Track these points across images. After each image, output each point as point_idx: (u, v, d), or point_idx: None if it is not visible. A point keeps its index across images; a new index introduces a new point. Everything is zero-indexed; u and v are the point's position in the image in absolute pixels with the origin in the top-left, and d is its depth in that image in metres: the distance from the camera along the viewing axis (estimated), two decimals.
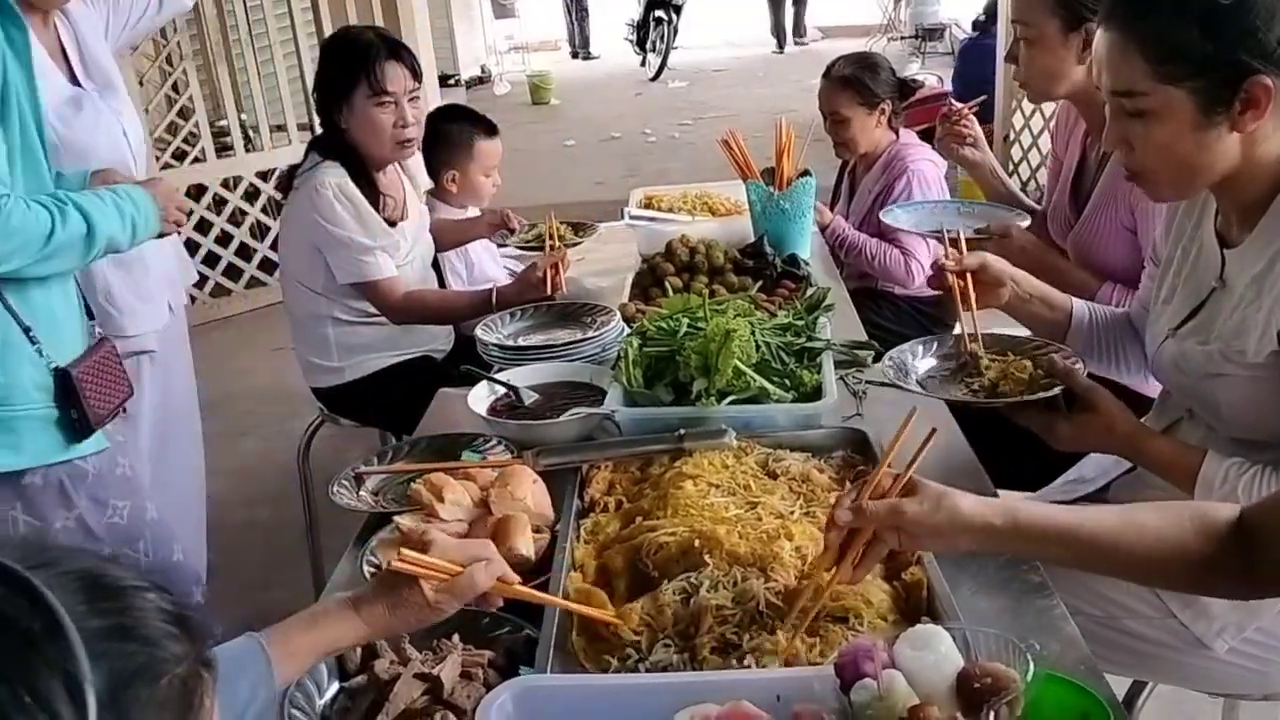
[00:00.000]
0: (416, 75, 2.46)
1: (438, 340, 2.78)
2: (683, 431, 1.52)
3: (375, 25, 2.68)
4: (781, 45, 12.99)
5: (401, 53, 2.45)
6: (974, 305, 1.71)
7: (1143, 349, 1.73)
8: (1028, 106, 5.66)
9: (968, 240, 2.21)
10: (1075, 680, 1.04)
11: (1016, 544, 1.16)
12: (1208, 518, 1.12)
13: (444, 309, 2.57)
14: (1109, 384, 1.59)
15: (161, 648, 0.60)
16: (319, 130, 2.66)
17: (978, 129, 2.46)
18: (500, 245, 2.88)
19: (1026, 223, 2.24)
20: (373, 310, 2.53)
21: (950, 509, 1.12)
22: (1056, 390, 1.54)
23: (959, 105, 2.49)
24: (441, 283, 2.94)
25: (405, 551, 1.08)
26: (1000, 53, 5.89)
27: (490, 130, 2.96)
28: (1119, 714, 1.02)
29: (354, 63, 2.39)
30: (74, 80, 2.12)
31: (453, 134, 2.88)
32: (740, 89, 10.70)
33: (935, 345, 1.76)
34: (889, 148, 3.04)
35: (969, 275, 1.72)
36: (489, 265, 3.16)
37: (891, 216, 2.45)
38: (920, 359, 1.73)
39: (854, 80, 2.98)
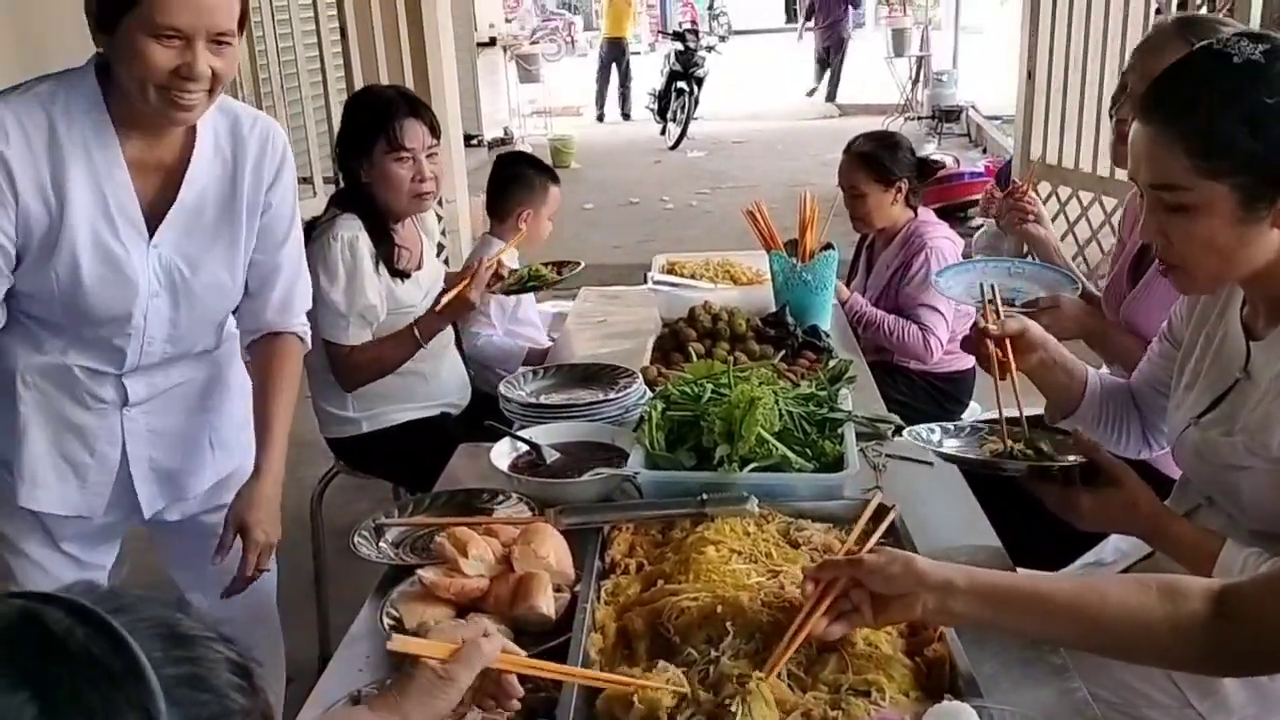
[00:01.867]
0: (435, 132, 2.55)
1: (454, 394, 2.80)
2: (705, 496, 1.53)
3: (399, 85, 2.76)
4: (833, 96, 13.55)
5: (421, 110, 2.54)
6: (1012, 372, 1.69)
7: (1141, 422, 1.76)
8: (1043, 189, 5.73)
9: (1021, 312, 2.23)
10: None
11: (974, 606, 1.15)
12: (1178, 586, 1.12)
13: (379, 360, 2.53)
14: (1131, 464, 1.59)
15: (231, 699, 0.61)
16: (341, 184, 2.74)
17: (1040, 205, 2.49)
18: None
19: (1078, 290, 2.25)
20: None
21: (906, 561, 1.17)
22: (1078, 460, 1.53)
23: (1020, 181, 2.53)
24: (457, 331, 2.97)
25: (398, 636, 1.09)
26: (1017, 134, 6.01)
27: (556, 178, 3.14)
28: None
29: (375, 119, 2.48)
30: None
31: (529, 177, 3.03)
32: (758, 161, 10.84)
33: (966, 430, 1.75)
34: (907, 224, 3.09)
35: (1008, 341, 1.70)
36: (530, 307, 3.26)
37: (945, 284, 2.35)
38: (940, 436, 1.72)
39: (872, 157, 3.04)
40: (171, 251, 1.69)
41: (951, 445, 1.70)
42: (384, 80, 5.94)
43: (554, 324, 3.47)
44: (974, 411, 3.28)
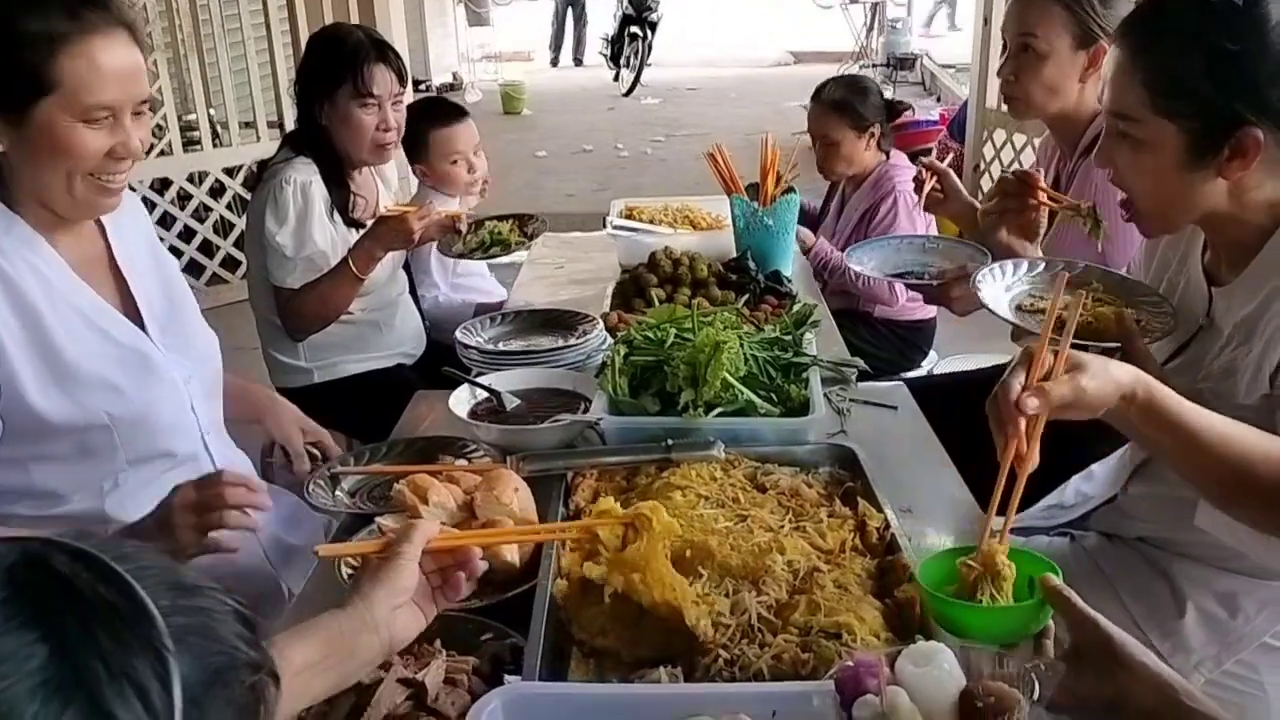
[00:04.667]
0: (402, 79, 2.44)
1: (409, 344, 2.74)
2: (670, 442, 1.50)
3: (365, 26, 2.61)
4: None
5: (389, 55, 2.42)
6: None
7: None
8: (998, 137, 5.75)
9: (928, 289, 2.21)
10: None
11: (1139, 418, 1.18)
12: None
13: (321, 300, 2.39)
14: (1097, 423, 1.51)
15: (239, 650, 0.60)
16: (290, 127, 2.61)
17: (949, 182, 2.41)
18: (444, 253, 2.69)
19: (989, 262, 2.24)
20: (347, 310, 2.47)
21: (1114, 378, 1.16)
22: (1116, 346, 1.48)
23: (927, 169, 2.43)
24: (412, 283, 2.89)
25: (325, 546, 1.15)
26: (973, 83, 6.01)
27: (446, 118, 2.86)
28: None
29: (341, 61, 2.36)
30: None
31: (411, 131, 2.82)
32: (713, 108, 10.75)
33: (1031, 268, 1.67)
34: (877, 168, 3.07)
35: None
36: (470, 263, 3.11)
37: (856, 259, 2.32)
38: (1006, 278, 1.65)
39: (844, 104, 3.01)
40: (165, 338, 1.55)
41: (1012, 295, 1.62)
42: (328, 20, 5.76)
43: (504, 274, 3.36)
44: (932, 360, 3.29)
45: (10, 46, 1.30)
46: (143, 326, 1.53)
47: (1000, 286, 1.64)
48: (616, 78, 12.08)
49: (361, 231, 2.44)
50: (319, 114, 2.40)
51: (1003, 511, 1.15)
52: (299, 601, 1.38)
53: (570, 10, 13.56)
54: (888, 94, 3.47)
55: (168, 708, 0.54)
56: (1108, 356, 1.45)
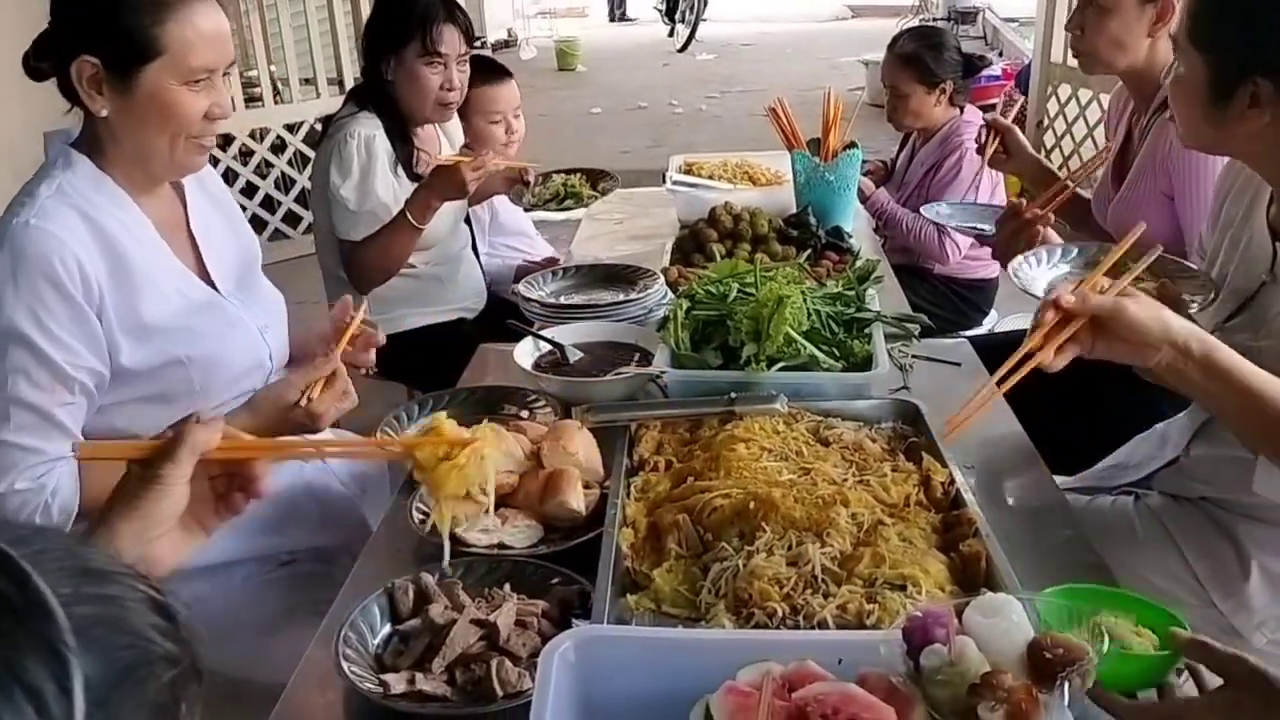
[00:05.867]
0: (469, 39, 2.45)
1: (470, 299, 2.76)
2: (733, 395, 1.51)
3: None
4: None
5: (457, 14, 2.43)
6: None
7: None
8: (1063, 92, 5.60)
9: (985, 238, 2.24)
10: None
11: (1201, 376, 1.19)
12: None
13: (382, 251, 2.41)
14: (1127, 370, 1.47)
15: (154, 643, 0.53)
16: (350, 84, 2.62)
17: (1013, 140, 2.38)
18: (515, 203, 2.78)
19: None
20: (409, 262, 2.50)
21: (1164, 319, 1.17)
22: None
23: (989, 128, 2.39)
24: (473, 235, 2.91)
25: (84, 443, 1.19)
26: (1038, 37, 5.85)
27: (491, 76, 2.82)
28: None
29: (410, 18, 2.37)
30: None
31: (477, 80, 2.81)
32: (768, 64, 10.61)
33: (1074, 252, 1.67)
34: (949, 123, 3.02)
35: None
36: (511, 217, 3.13)
37: (933, 211, 2.46)
38: (1051, 264, 1.64)
39: (915, 58, 2.97)
40: (238, 294, 1.61)
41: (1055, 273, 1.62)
42: None
43: (545, 229, 3.34)
44: (993, 319, 3.25)
45: (122, 14, 1.36)
46: (214, 287, 1.58)
47: (1040, 270, 1.63)
48: (671, 34, 11.96)
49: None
50: (385, 70, 2.41)
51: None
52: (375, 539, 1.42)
53: None
54: None
55: (67, 712, 0.47)
56: None
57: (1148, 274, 1.56)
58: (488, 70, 2.85)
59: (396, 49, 2.38)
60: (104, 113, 1.41)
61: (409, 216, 2.31)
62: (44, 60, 1.41)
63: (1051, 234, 1.83)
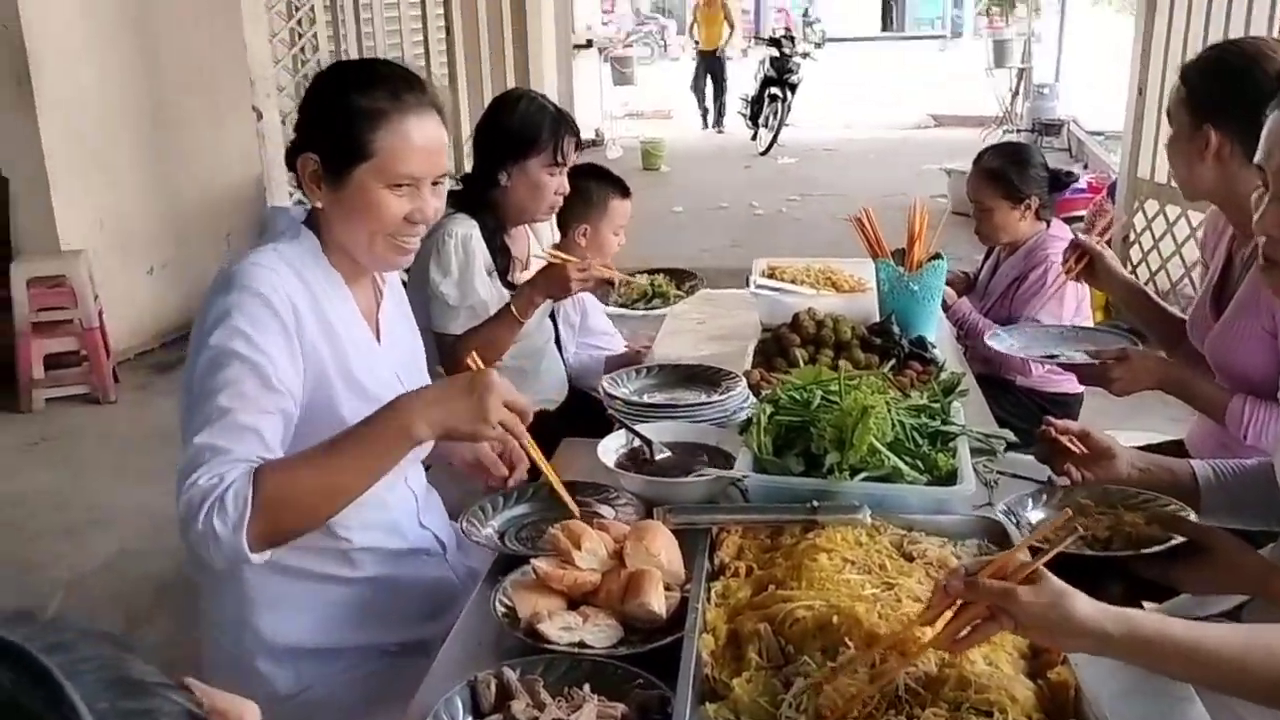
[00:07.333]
0: (579, 147, 2.59)
1: (552, 390, 2.81)
2: (815, 504, 1.51)
3: (544, 95, 2.73)
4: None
5: (574, 127, 2.58)
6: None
7: None
8: (1150, 208, 5.56)
9: (1080, 367, 2.21)
10: None
11: (1131, 655, 1.12)
12: None
13: (482, 346, 2.35)
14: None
15: None
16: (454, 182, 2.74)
17: (1102, 265, 2.38)
18: (603, 302, 2.89)
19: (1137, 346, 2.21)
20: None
21: (1066, 610, 1.09)
22: (1173, 541, 1.50)
23: (1073, 251, 2.38)
24: (556, 331, 2.98)
25: None
26: (1124, 152, 5.84)
27: (625, 192, 3.00)
28: None
29: (540, 130, 2.50)
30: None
31: (591, 191, 2.93)
32: (849, 170, 10.74)
33: (1045, 497, 1.72)
34: (1034, 237, 3.04)
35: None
36: (598, 316, 3.20)
37: (997, 340, 2.43)
38: (1031, 510, 1.69)
39: (1001, 173, 3.00)
40: (405, 377, 1.72)
41: (1038, 517, 1.66)
42: (486, 80, 6.03)
43: (623, 324, 3.41)
44: None
45: (344, 118, 1.51)
46: (395, 371, 1.71)
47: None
48: (754, 137, 12.21)
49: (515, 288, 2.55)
50: (503, 176, 2.53)
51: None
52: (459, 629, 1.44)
53: (710, 78, 13.78)
54: None
55: None
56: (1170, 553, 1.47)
57: (1103, 506, 1.63)
58: (618, 185, 3.03)
59: (521, 157, 2.50)
60: (319, 204, 1.56)
61: (513, 310, 2.41)
62: (291, 154, 1.59)
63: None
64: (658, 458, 1.82)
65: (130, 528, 3.59)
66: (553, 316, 2.95)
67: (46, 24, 4.81)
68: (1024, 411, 3.02)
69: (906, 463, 1.65)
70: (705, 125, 13.91)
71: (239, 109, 4.92)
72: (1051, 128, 10.88)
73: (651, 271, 2.88)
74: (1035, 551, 1.17)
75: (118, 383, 4.97)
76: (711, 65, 13.76)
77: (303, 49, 4.91)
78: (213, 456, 1.34)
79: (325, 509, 1.41)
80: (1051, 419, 1.80)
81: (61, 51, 4.89)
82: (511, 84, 6.29)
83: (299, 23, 4.92)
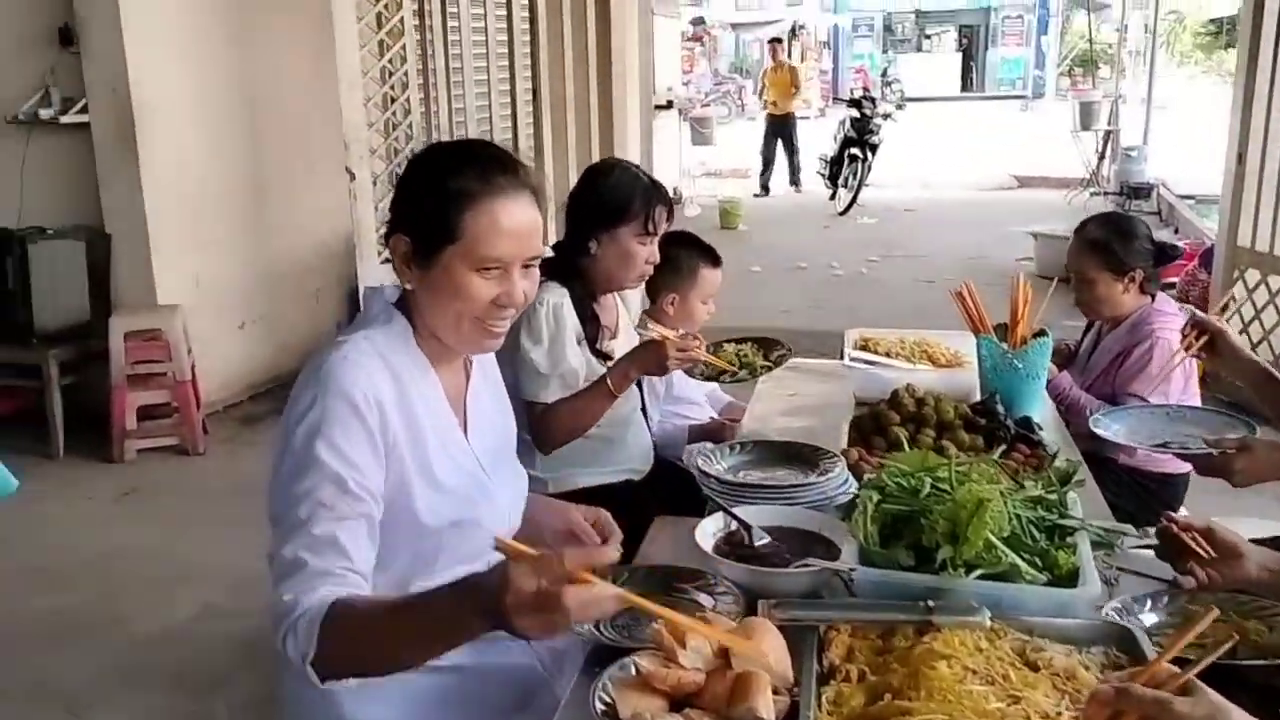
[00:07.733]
0: (671, 217, 2.58)
1: (638, 460, 2.77)
2: (931, 604, 1.43)
3: (637, 165, 2.74)
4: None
5: (666, 195, 2.58)
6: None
7: None
8: (1250, 277, 5.37)
9: (1198, 456, 2.10)
10: None
11: None
12: None
13: (575, 413, 2.47)
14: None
15: None
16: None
17: (1224, 343, 2.28)
18: (689, 374, 2.83)
19: (1255, 432, 2.08)
20: None
21: (1223, 715, 1.02)
22: None
23: (1193, 328, 2.30)
24: (643, 398, 2.95)
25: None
26: (1222, 219, 5.65)
27: (715, 261, 2.99)
28: None
29: (633, 200, 2.50)
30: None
31: (680, 259, 2.91)
32: (930, 231, 10.63)
33: (1166, 600, 1.63)
34: (1138, 311, 2.92)
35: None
36: (685, 386, 3.16)
37: (1102, 428, 2.31)
38: (1147, 611, 1.60)
39: (1104, 245, 2.89)
40: (493, 468, 1.70)
41: (1152, 621, 1.58)
42: (572, 145, 6.11)
43: (713, 396, 3.38)
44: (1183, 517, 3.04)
45: (434, 199, 1.50)
46: (476, 458, 1.67)
47: None
48: (833, 197, 12.18)
49: (606, 358, 2.54)
50: (593, 243, 2.52)
51: None
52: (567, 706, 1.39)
53: (779, 141, 13.63)
54: None
55: None
56: None
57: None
58: (709, 254, 3.03)
59: (613, 226, 2.50)
60: (409, 285, 1.55)
61: (609, 384, 2.39)
62: (386, 235, 1.58)
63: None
64: (757, 544, 1.76)
65: (216, 584, 3.62)
66: (639, 383, 2.92)
67: (154, 88, 5.01)
68: (1127, 492, 2.89)
69: (1025, 559, 1.57)
70: (760, 191, 13.46)
71: (332, 170, 5.04)
72: (1140, 191, 10.65)
73: (739, 340, 2.84)
74: (1182, 661, 1.10)
75: (207, 434, 5.07)
76: (780, 129, 13.57)
77: (395, 113, 5.03)
78: (295, 571, 1.35)
79: (385, 669, 1.35)
80: (1172, 515, 1.71)
81: (167, 114, 5.09)
82: (598, 148, 6.35)
83: (392, 88, 5.03)
